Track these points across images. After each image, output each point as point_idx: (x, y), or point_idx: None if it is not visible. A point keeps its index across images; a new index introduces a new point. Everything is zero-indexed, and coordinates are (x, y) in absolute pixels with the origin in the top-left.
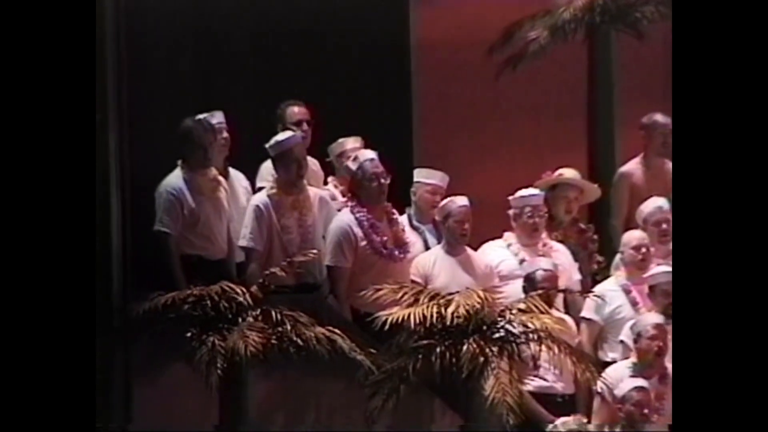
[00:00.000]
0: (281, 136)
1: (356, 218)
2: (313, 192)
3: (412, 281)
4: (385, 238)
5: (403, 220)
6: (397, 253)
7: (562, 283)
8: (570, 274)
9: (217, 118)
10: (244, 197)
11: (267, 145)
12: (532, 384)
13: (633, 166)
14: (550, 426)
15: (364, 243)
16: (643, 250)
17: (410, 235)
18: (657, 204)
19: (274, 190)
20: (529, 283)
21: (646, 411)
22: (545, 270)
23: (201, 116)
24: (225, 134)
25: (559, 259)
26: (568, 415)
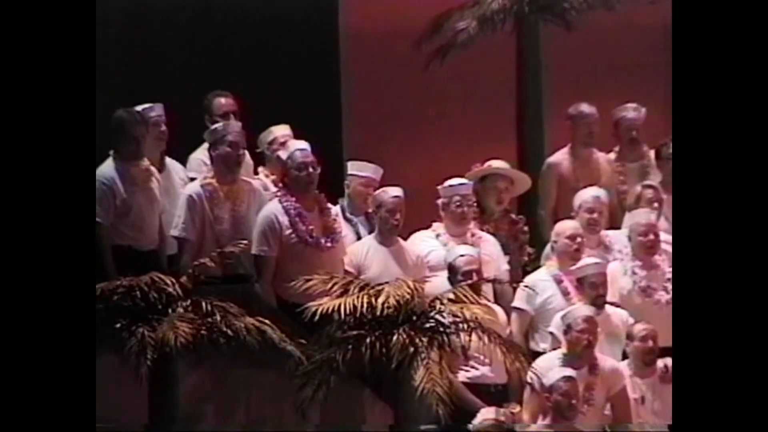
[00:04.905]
0: (219, 124)
1: (283, 207)
2: (246, 182)
3: (346, 271)
4: (311, 227)
5: (335, 211)
6: (323, 241)
7: (490, 274)
8: (498, 264)
9: (156, 110)
10: (182, 188)
11: (205, 133)
12: (465, 375)
13: (560, 157)
14: (471, 425)
15: (289, 231)
16: (578, 239)
17: (342, 227)
18: (594, 193)
19: (207, 180)
20: (452, 271)
21: (573, 401)
22: (464, 255)
23: (137, 108)
24: (163, 127)
25: (488, 249)
26: (501, 405)
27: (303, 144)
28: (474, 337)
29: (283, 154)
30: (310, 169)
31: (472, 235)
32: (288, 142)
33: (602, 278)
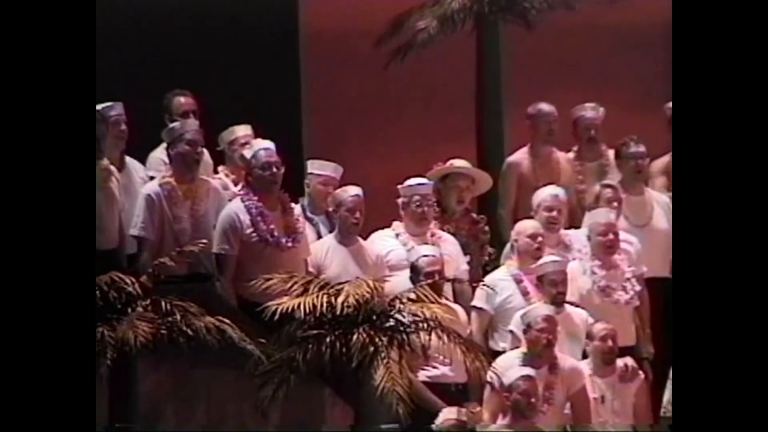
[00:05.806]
0: (177, 123)
1: (245, 206)
2: (205, 181)
3: (307, 271)
4: (272, 227)
5: (296, 210)
6: (284, 241)
7: (449, 273)
8: (458, 263)
9: (116, 109)
10: (142, 188)
11: (163, 132)
12: (425, 374)
13: (520, 156)
14: (434, 425)
15: (250, 230)
16: (539, 238)
17: (303, 226)
18: (552, 192)
19: (165, 179)
20: (414, 271)
21: (533, 400)
22: (427, 255)
23: (97, 106)
24: (123, 126)
25: (447, 249)
26: (461, 404)
27: (267, 143)
28: (434, 336)
29: (247, 153)
30: (274, 169)
31: (432, 234)
32: (251, 142)
33: (562, 276)
